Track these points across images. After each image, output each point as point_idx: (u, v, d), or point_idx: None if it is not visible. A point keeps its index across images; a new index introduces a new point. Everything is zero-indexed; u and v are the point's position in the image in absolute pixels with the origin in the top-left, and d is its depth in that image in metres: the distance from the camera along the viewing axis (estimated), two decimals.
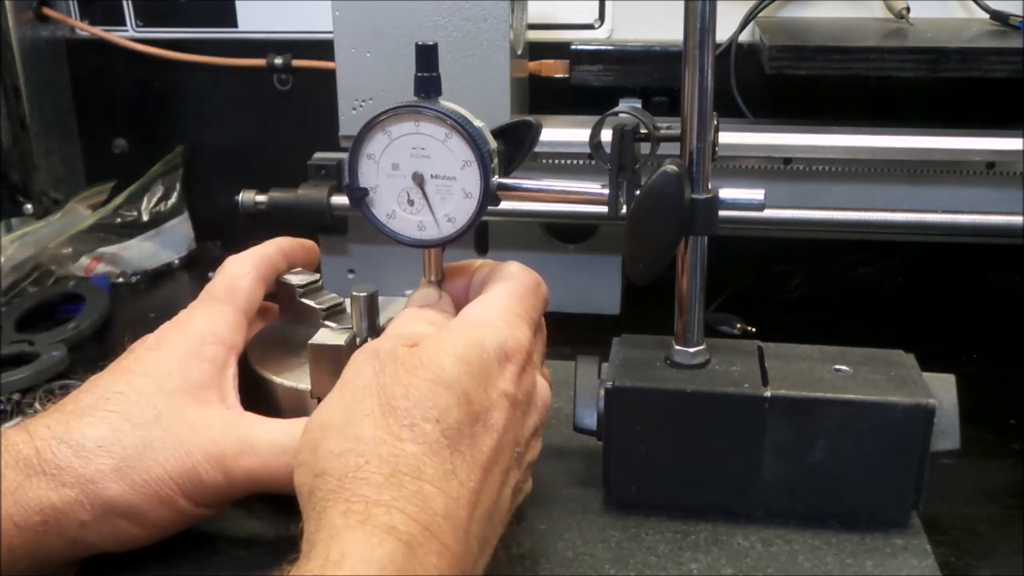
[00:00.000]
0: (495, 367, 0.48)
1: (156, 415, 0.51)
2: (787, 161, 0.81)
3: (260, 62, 1.00)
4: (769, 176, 0.81)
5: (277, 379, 0.57)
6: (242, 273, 0.59)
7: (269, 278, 0.61)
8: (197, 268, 1.05)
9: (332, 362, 0.54)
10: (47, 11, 1.02)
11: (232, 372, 0.56)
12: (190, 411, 0.52)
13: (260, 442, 0.51)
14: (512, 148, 0.58)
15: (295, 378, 0.57)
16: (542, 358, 0.56)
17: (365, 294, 0.58)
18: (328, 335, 0.57)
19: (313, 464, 0.44)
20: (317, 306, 0.60)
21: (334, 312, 0.60)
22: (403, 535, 0.40)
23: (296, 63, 0.99)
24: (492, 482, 0.46)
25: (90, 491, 0.49)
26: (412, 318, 0.54)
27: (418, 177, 0.55)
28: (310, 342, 0.56)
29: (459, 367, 0.47)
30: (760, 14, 0.90)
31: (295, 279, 0.61)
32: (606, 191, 0.56)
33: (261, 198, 0.87)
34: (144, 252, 1.03)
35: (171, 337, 0.55)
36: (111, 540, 0.50)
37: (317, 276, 0.62)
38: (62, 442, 0.49)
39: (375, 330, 0.59)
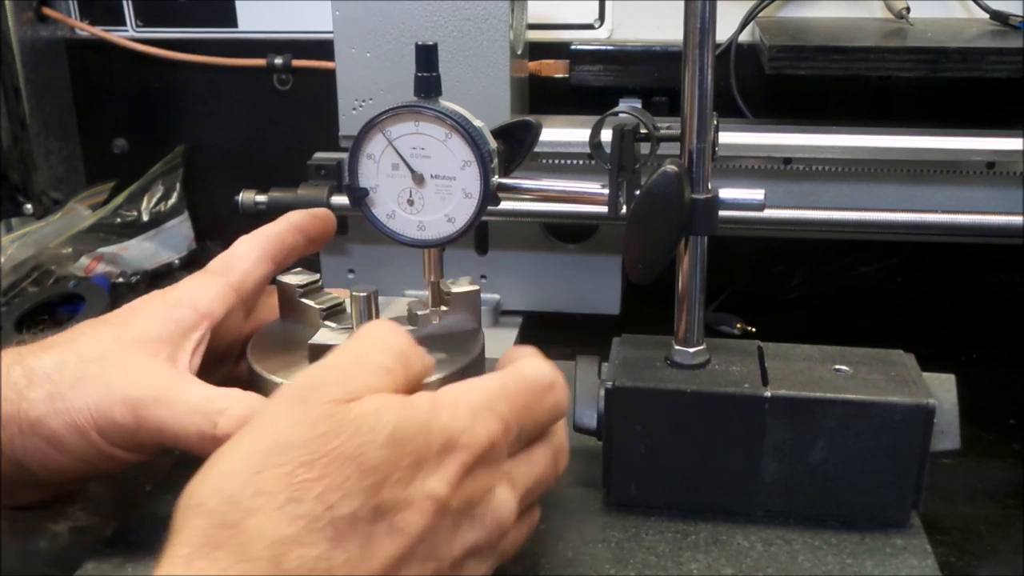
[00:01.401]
0: (431, 459, 0.41)
1: (100, 352, 0.53)
2: (787, 161, 0.81)
3: (260, 62, 1.00)
4: (769, 176, 0.81)
5: (275, 378, 0.57)
6: (244, 252, 0.59)
7: (278, 256, 0.60)
8: (197, 268, 1.05)
9: None
10: (47, 11, 1.02)
11: (197, 337, 0.55)
12: (133, 358, 0.53)
13: (177, 397, 0.51)
14: (512, 148, 0.58)
15: (285, 375, 0.57)
16: (536, 483, 0.47)
17: (365, 294, 0.58)
18: (328, 335, 0.57)
19: (181, 507, 0.40)
20: (317, 306, 0.60)
21: (334, 312, 0.60)
22: None
23: (296, 63, 0.99)
24: None
25: (22, 410, 0.51)
26: (368, 357, 0.44)
27: (418, 177, 0.55)
28: (310, 342, 0.56)
29: (386, 451, 0.40)
30: (760, 14, 0.90)
31: (294, 279, 0.61)
32: (606, 191, 0.56)
33: (261, 198, 0.87)
34: (144, 252, 1.03)
35: (152, 299, 0.57)
36: (35, 460, 0.52)
37: (317, 276, 0.62)
38: (20, 365, 0.53)
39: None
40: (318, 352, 0.54)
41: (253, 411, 0.48)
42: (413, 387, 0.45)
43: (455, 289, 0.60)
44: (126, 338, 0.54)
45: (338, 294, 0.61)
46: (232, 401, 0.50)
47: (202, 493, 0.39)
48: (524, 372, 0.47)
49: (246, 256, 0.59)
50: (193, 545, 0.37)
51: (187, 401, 0.51)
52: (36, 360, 0.53)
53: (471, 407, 0.43)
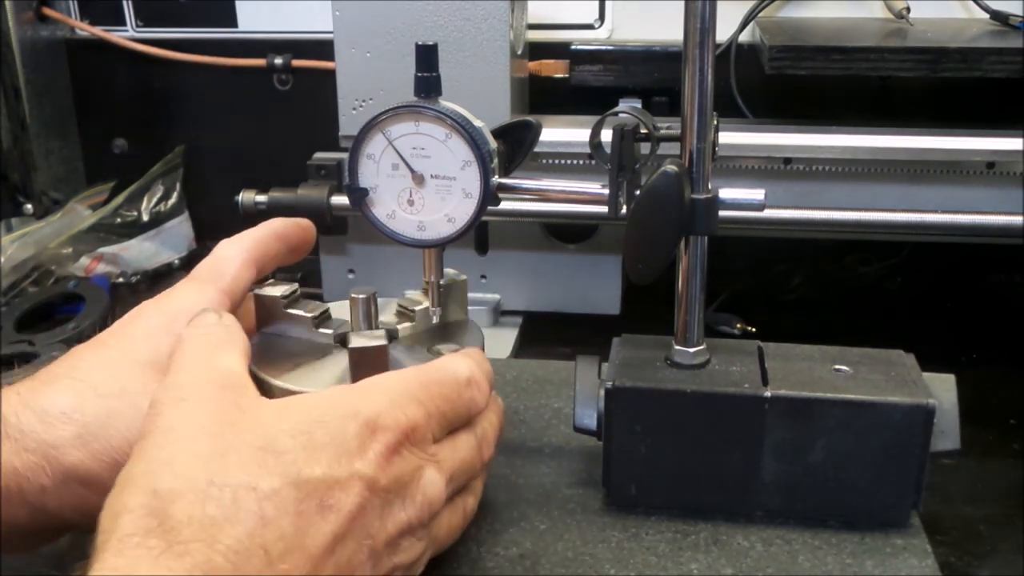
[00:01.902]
0: (352, 441, 0.43)
1: (121, 386, 0.50)
2: (787, 161, 0.81)
3: (260, 62, 1.00)
4: (769, 176, 0.81)
5: (276, 382, 0.57)
6: (231, 255, 0.57)
7: (261, 262, 0.59)
8: None
9: (375, 364, 0.53)
10: (47, 11, 1.02)
11: None
12: (154, 384, 0.50)
13: None
14: (512, 148, 0.58)
15: (292, 380, 0.57)
16: (461, 466, 0.49)
17: (364, 296, 0.58)
18: (364, 338, 0.56)
19: (104, 517, 0.40)
20: (308, 315, 0.58)
21: (323, 319, 0.59)
22: None
23: (296, 63, 1.00)
24: (323, 573, 0.40)
25: (51, 456, 0.48)
26: (214, 343, 0.49)
27: (418, 177, 0.55)
28: (351, 346, 0.54)
29: (295, 439, 0.42)
30: (760, 14, 0.90)
31: (276, 291, 0.59)
32: (606, 191, 0.56)
33: (261, 198, 0.87)
34: (144, 252, 1.03)
35: (146, 312, 0.55)
36: (71, 508, 0.49)
37: (295, 284, 0.60)
38: (28, 407, 0.49)
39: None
40: (364, 355, 0.54)
41: None
42: None
43: (405, 304, 0.60)
44: (137, 362, 0.51)
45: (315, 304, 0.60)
46: None
47: (126, 495, 0.40)
48: (441, 366, 0.50)
49: (233, 260, 0.57)
50: (127, 539, 0.38)
51: None
52: (45, 399, 0.49)
53: (388, 392, 0.46)
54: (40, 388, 0.50)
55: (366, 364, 0.53)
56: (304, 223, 0.62)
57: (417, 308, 0.60)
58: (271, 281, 0.60)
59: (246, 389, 0.46)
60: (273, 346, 0.59)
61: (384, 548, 0.43)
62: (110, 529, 0.39)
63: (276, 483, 0.40)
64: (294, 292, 0.59)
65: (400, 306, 0.61)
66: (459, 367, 0.51)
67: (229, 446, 0.41)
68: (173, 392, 0.45)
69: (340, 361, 0.57)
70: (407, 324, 0.60)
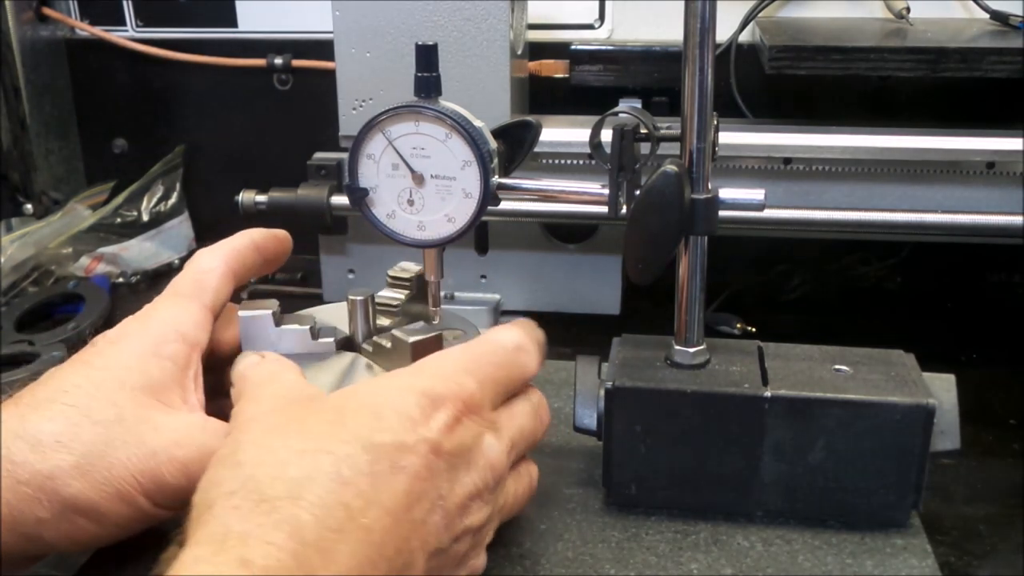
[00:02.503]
0: (416, 412, 0.45)
1: (117, 413, 0.49)
2: (787, 161, 0.81)
3: (260, 62, 1.00)
4: (769, 176, 0.81)
5: None
6: (210, 268, 0.57)
7: (240, 273, 0.58)
8: None
9: (432, 351, 0.53)
10: (47, 11, 1.02)
11: (195, 372, 0.54)
12: (153, 412, 0.50)
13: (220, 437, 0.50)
14: (512, 148, 0.58)
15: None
16: (520, 433, 0.51)
17: (362, 298, 0.58)
18: (415, 330, 0.57)
19: (196, 496, 0.42)
20: (304, 327, 0.58)
21: (316, 329, 0.59)
22: (257, 567, 0.37)
23: (296, 63, 0.99)
24: (400, 531, 0.42)
25: (48, 488, 0.47)
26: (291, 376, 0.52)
27: (418, 177, 0.55)
28: (411, 341, 0.55)
29: (363, 413, 0.45)
30: (760, 14, 0.90)
31: (262, 311, 0.57)
32: (606, 191, 0.56)
33: (261, 198, 0.87)
34: (144, 252, 1.03)
35: (132, 332, 0.54)
36: (68, 539, 0.49)
37: (274, 300, 0.59)
38: (18, 437, 0.48)
39: (371, 333, 0.59)
40: (422, 345, 0.55)
41: None
42: None
43: (398, 274, 0.61)
44: (130, 387, 0.51)
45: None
46: None
47: (213, 472, 0.43)
48: (489, 338, 0.52)
49: (213, 272, 0.57)
50: (217, 506, 0.40)
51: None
52: (35, 427, 0.48)
53: (442, 369, 0.49)
54: (27, 415, 0.49)
55: (424, 353, 0.53)
56: (281, 234, 0.62)
57: (410, 276, 0.60)
58: (248, 303, 0.59)
59: (311, 387, 0.50)
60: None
61: (456, 511, 0.45)
62: (200, 501, 0.42)
63: (349, 448, 0.43)
64: (277, 309, 0.58)
65: (391, 277, 0.61)
66: (506, 336, 0.52)
67: (303, 422, 0.45)
68: (250, 401, 0.49)
69: (340, 361, 0.57)
70: (404, 294, 0.60)
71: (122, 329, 0.54)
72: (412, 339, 0.55)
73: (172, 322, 0.54)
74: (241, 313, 0.57)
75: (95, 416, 0.49)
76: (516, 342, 0.52)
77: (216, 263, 0.57)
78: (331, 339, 0.58)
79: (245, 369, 0.53)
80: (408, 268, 0.62)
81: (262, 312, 0.57)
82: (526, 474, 0.53)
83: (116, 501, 0.48)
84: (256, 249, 0.60)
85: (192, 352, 0.54)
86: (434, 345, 0.56)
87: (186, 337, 0.54)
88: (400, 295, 0.61)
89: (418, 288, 0.61)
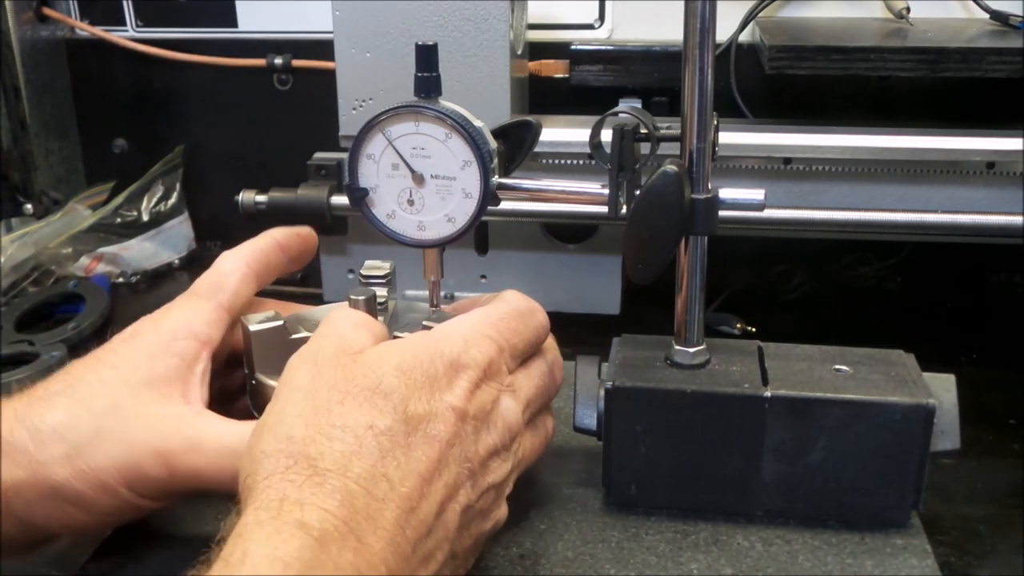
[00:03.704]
0: (442, 379, 0.48)
1: (114, 405, 0.51)
2: (787, 161, 0.81)
3: (260, 62, 1.00)
4: (769, 176, 0.81)
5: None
6: (231, 270, 0.58)
7: (263, 274, 0.59)
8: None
9: None
10: (47, 11, 1.02)
11: (202, 368, 0.55)
12: (148, 405, 0.52)
13: (208, 441, 0.51)
14: (512, 148, 0.58)
15: None
16: (537, 391, 0.54)
17: (364, 298, 0.58)
18: (443, 317, 0.57)
19: (247, 466, 0.45)
20: (309, 333, 0.58)
21: None
22: (315, 531, 0.40)
23: (296, 63, 0.99)
24: (434, 494, 0.45)
25: (39, 474, 0.50)
26: (350, 323, 0.52)
27: (418, 177, 0.55)
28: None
29: (399, 378, 0.47)
30: (760, 14, 0.90)
31: (269, 323, 0.58)
32: (606, 191, 0.56)
33: (261, 198, 0.87)
34: (144, 252, 1.03)
35: (144, 330, 0.55)
36: (58, 523, 0.51)
37: (274, 312, 0.59)
38: (21, 424, 0.51)
39: None
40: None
41: None
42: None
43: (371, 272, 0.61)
44: (134, 382, 0.52)
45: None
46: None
47: (264, 444, 0.44)
48: (505, 300, 0.54)
49: (234, 274, 0.58)
50: (272, 476, 0.43)
51: (219, 445, 0.51)
52: (38, 417, 0.51)
53: (463, 335, 0.50)
54: (35, 405, 0.52)
55: None
56: (305, 232, 0.63)
57: (385, 272, 0.60)
58: (250, 316, 0.59)
59: (360, 344, 0.50)
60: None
61: (480, 469, 0.49)
62: (254, 472, 0.43)
63: (389, 420, 0.45)
64: (280, 318, 0.58)
65: (364, 276, 0.60)
66: (521, 299, 0.55)
67: (346, 393, 0.46)
68: (303, 358, 0.49)
69: None
70: (386, 290, 0.60)
71: (136, 327, 0.56)
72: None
73: (185, 320, 0.55)
74: (252, 327, 0.57)
75: (93, 408, 0.51)
76: (529, 304, 0.55)
77: (237, 265, 0.58)
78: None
79: (331, 314, 0.53)
80: (379, 265, 0.62)
81: (275, 324, 0.58)
82: (543, 427, 0.56)
83: (99, 490, 0.50)
84: (280, 248, 0.61)
85: (202, 349, 0.55)
86: None
87: (197, 334, 0.55)
88: (382, 292, 0.60)
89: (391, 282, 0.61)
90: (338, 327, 0.51)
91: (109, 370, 0.53)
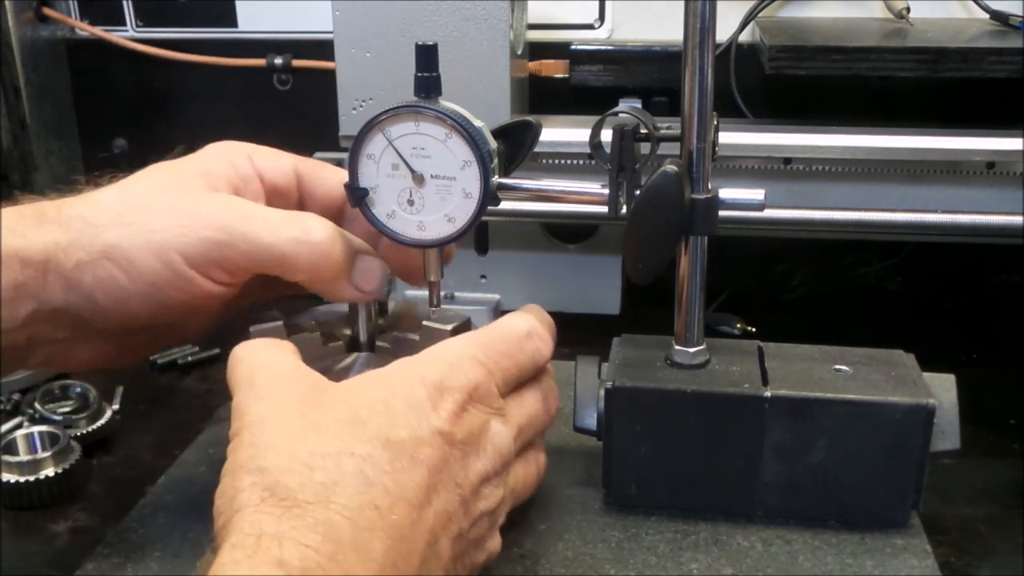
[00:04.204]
0: (426, 403, 0.46)
1: (164, 184, 0.55)
2: (787, 161, 0.81)
3: (260, 62, 1.00)
4: (769, 176, 0.81)
5: None
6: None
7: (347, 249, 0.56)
8: None
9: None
10: (47, 11, 1.02)
11: (255, 189, 0.58)
12: (203, 189, 0.55)
13: (264, 212, 0.54)
14: (512, 148, 0.58)
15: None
16: (528, 419, 0.52)
17: (271, 324, 0.58)
18: (445, 319, 0.57)
19: (221, 506, 0.43)
20: (315, 333, 0.58)
21: (331, 337, 0.60)
22: (295, 569, 0.38)
23: (296, 63, 0.99)
24: (424, 521, 0.44)
25: (91, 233, 0.52)
26: (263, 346, 0.52)
27: (418, 177, 0.55)
28: (450, 328, 0.56)
29: (374, 407, 0.45)
30: (760, 14, 0.90)
31: (270, 324, 0.58)
32: (606, 191, 0.56)
33: None
34: None
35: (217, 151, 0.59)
36: (102, 286, 0.52)
37: (279, 313, 0.59)
38: (81, 201, 0.54)
39: (375, 332, 0.59)
40: (459, 330, 0.56)
41: (335, 227, 0.54)
42: None
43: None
44: (186, 170, 0.56)
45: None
46: (315, 215, 0.54)
47: (237, 480, 0.42)
48: (499, 325, 0.53)
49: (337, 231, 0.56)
50: (246, 509, 0.41)
51: (274, 215, 0.53)
52: (100, 194, 0.55)
53: (446, 358, 0.49)
54: (105, 188, 0.56)
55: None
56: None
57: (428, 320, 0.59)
58: (256, 319, 0.59)
59: (315, 376, 0.49)
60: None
61: (471, 495, 0.47)
62: (229, 509, 0.41)
63: (369, 448, 0.43)
64: (282, 319, 0.59)
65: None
66: (517, 322, 0.53)
67: (319, 422, 0.44)
68: (252, 393, 0.47)
69: (350, 361, 0.58)
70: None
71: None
72: (451, 326, 0.56)
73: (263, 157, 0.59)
74: (252, 328, 0.58)
75: (149, 184, 0.55)
76: (527, 328, 0.53)
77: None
78: (340, 343, 0.59)
79: (242, 352, 0.51)
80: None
81: (274, 324, 0.58)
82: (534, 461, 0.54)
83: (148, 253, 0.52)
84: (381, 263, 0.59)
85: (257, 176, 0.58)
86: (465, 330, 0.56)
87: (261, 170, 0.58)
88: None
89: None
90: (265, 358, 0.50)
91: (173, 167, 0.57)
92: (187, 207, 0.53)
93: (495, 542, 0.50)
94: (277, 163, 0.58)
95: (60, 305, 0.53)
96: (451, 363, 0.49)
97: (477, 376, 0.49)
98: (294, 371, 0.49)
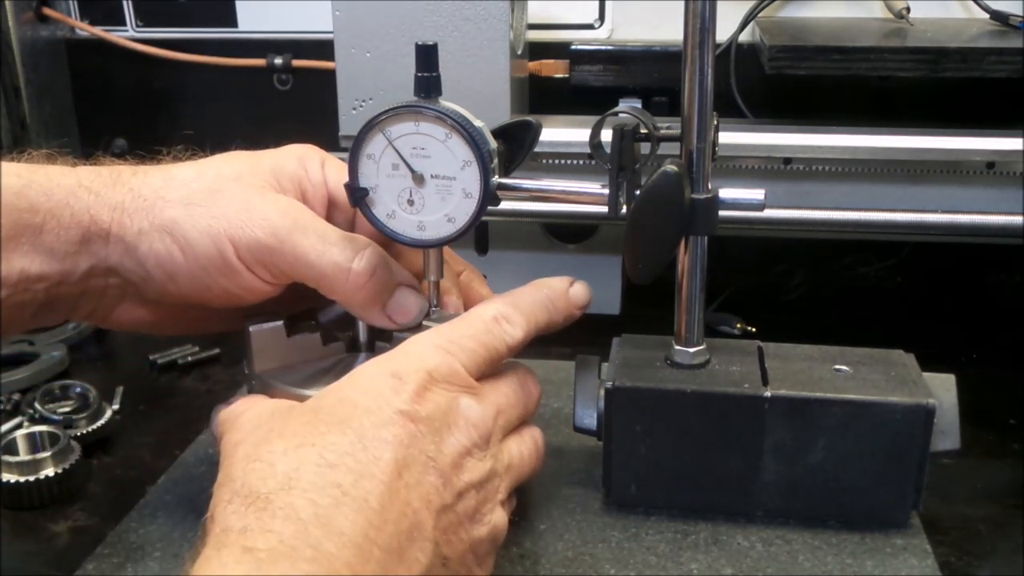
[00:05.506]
0: (386, 391, 0.48)
1: (240, 173, 0.57)
2: (787, 161, 0.81)
3: (260, 62, 1.00)
4: (769, 176, 0.81)
5: (296, 390, 0.56)
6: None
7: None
8: None
9: None
10: (47, 11, 1.02)
11: (321, 196, 0.59)
12: (271, 187, 0.57)
13: (317, 228, 0.55)
14: (512, 148, 0.58)
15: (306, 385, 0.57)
16: (507, 399, 0.53)
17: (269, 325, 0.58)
18: (444, 318, 0.57)
19: (206, 519, 0.44)
20: (316, 332, 0.59)
21: (330, 336, 0.60)
22: (261, 552, 0.39)
23: (296, 63, 0.99)
24: (399, 494, 0.44)
25: (158, 205, 0.55)
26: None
27: (418, 177, 0.55)
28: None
29: (336, 405, 0.47)
30: (760, 14, 0.90)
31: (271, 323, 0.59)
32: (606, 191, 0.56)
33: None
34: None
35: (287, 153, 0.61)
36: (156, 257, 0.55)
37: (278, 313, 0.60)
38: (158, 171, 0.57)
39: (376, 332, 0.59)
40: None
41: (381, 259, 0.56)
42: None
43: None
44: (261, 165, 0.58)
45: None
46: (366, 244, 0.56)
47: (215, 498, 0.44)
48: (467, 312, 0.55)
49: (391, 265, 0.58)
50: (215, 510, 0.43)
51: (326, 234, 0.55)
52: (177, 169, 0.57)
53: (406, 349, 0.51)
54: (184, 164, 0.58)
55: None
56: None
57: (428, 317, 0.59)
58: (252, 317, 0.59)
59: (291, 402, 0.51)
60: (288, 371, 0.59)
61: (451, 469, 0.48)
62: (208, 520, 0.43)
63: (329, 436, 0.45)
64: (278, 318, 0.59)
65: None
66: (484, 307, 0.54)
67: (284, 426, 0.47)
68: (232, 431, 0.50)
69: (351, 362, 0.58)
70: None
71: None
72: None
73: (332, 168, 0.60)
74: (252, 328, 0.58)
75: (223, 171, 0.57)
76: (493, 313, 0.54)
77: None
78: (340, 343, 0.58)
79: (221, 413, 0.54)
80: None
81: (274, 324, 0.58)
82: (529, 437, 0.54)
83: (204, 236, 0.54)
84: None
85: (324, 183, 0.60)
86: None
87: (328, 178, 0.60)
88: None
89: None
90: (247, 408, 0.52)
91: (247, 158, 0.58)
92: (250, 203, 0.55)
93: (497, 516, 0.50)
94: (342, 176, 0.58)
95: (116, 265, 0.55)
96: (408, 352, 0.51)
97: (434, 358, 0.50)
98: (271, 404, 0.52)
